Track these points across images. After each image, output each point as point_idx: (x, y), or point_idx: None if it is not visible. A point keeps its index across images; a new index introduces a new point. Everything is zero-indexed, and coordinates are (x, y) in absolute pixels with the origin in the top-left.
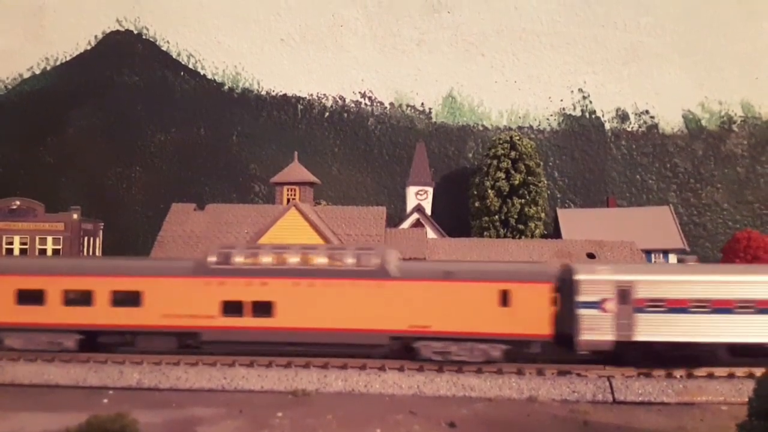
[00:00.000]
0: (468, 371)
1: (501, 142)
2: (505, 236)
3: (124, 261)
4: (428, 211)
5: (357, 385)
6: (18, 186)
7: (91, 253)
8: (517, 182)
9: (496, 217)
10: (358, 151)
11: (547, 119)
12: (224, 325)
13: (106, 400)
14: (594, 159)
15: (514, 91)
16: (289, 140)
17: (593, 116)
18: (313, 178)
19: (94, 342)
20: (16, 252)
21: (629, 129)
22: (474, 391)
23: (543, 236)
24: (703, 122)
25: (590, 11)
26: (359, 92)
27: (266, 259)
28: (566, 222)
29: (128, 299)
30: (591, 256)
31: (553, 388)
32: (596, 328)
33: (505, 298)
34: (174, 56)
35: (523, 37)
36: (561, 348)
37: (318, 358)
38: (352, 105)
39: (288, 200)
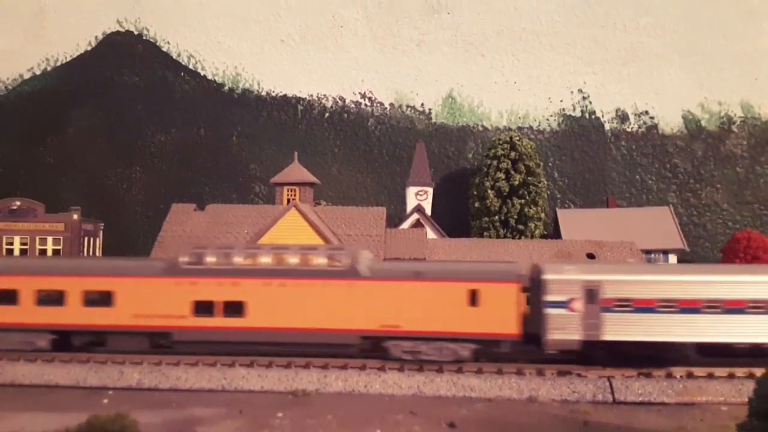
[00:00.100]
0: (468, 371)
1: (501, 142)
2: (505, 236)
3: (96, 261)
4: (428, 212)
5: (357, 386)
6: (18, 186)
7: (91, 253)
8: (517, 183)
9: (496, 217)
10: (358, 151)
11: (547, 120)
12: (195, 325)
13: (106, 401)
14: (594, 159)
15: (513, 92)
16: (289, 141)
17: (593, 117)
18: (313, 179)
19: (67, 342)
20: (16, 252)
21: (629, 129)
22: (474, 391)
23: (543, 236)
24: (703, 123)
25: (590, 12)
26: (359, 93)
27: (237, 260)
28: (566, 222)
29: (100, 299)
30: (591, 256)
31: (553, 389)
32: (564, 328)
33: (473, 298)
34: (174, 57)
35: (523, 38)
36: (530, 347)
37: (318, 358)
38: (352, 105)
39: (288, 200)
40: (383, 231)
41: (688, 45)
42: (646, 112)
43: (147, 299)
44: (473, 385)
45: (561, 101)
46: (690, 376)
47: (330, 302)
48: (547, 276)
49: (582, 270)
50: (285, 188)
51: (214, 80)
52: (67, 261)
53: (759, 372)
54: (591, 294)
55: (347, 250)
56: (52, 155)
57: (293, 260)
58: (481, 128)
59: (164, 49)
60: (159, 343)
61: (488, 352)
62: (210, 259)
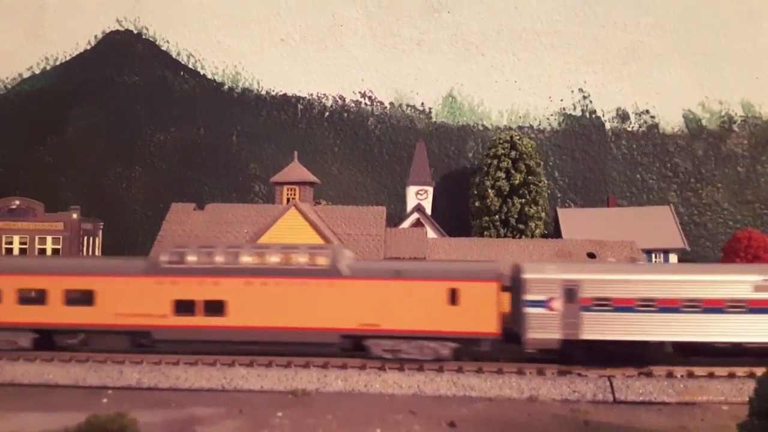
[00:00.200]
0: (468, 371)
1: (501, 141)
2: (505, 236)
3: (77, 260)
4: (428, 211)
5: (357, 385)
6: (18, 185)
7: (91, 252)
8: (517, 182)
9: (497, 216)
10: (358, 150)
11: (548, 119)
12: (176, 324)
13: (105, 400)
14: (594, 159)
15: (514, 91)
16: (289, 140)
17: (593, 116)
18: (313, 178)
19: (49, 341)
20: (16, 252)
21: (629, 129)
22: (474, 390)
23: (543, 236)
24: (704, 122)
25: (590, 11)
26: (359, 92)
27: (218, 259)
28: (566, 222)
29: (81, 298)
30: (591, 255)
31: (554, 388)
32: (543, 327)
33: (453, 297)
34: (174, 56)
35: (523, 37)
36: (511, 346)
37: (318, 358)
38: (352, 105)
39: (288, 200)
40: (383, 230)
41: (689, 44)
42: (647, 112)
43: (128, 298)
44: (473, 384)
45: (561, 100)
46: (691, 375)
47: (311, 301)
48: (527, 275)
49: (561, 269)
50: (285, 187)
51: (214, 79)
52: (48, 260)
53: (760, 371)
54: (570, 293)
55: (328, 250)
56: (52, 154)
57: (274, 259)
58: (481, 127)
59: (164, 48)
60: (140, 342)
61: (468, 350)
62: (191, 259)
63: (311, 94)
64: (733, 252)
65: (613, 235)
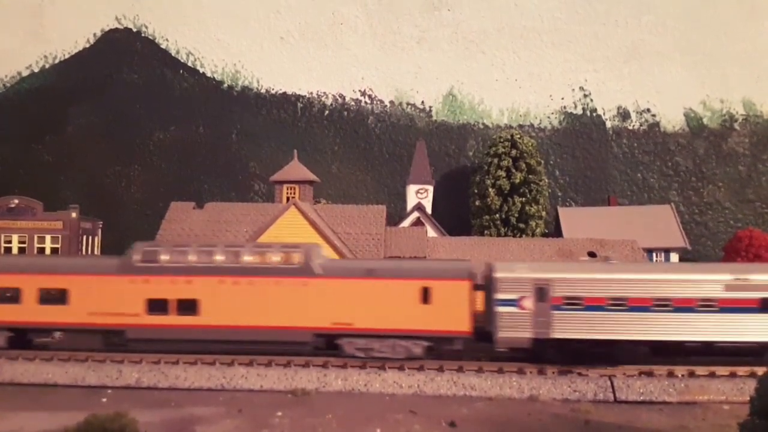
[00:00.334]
0: (468, 370)
1: (502, 140)
2: (505, 235)
3: (51, 259)
4: (428, 210)
5: (357, 385)
6: (17, 184)
7: (90, 251)
8: (517, 181)
9: (497, 215)
10: (358, 149)
11: (548, 117)
12: (149, 323)
13: (104, 400)
14: (595, 157)
15: (514, 89)
16: (288, 138)
17: (594, 114)
18: (312, 177)
19: (24, 340)
20: (15, 251)
21: (630, 127)
22: (474, 390)
23: (544, 235)
24: (705, 120)
25: (591, 9)
26: (359, 90)
27: (191, 258)
28: (567, 221)
29: (55, 297)
30: (592, 254)
31: (554, 387)
32: (514, 326)
33: (425, 296)
34: (173, 54)
35: (524, 35)
36: (483, 345)
37: (318, 358)
38: (352, 103)
39: (288, 199)
40: (383, 229)
41: (690, 43)
42: (648, 110)
43: (101, 297)
44: (474, 384)
45: (562, 99)
46: (692, 375)
47: (284, 300)
48: (498, 274)
49: (532, 268)
50: (284, 186)
51: (214, 78)
52: (22, 259)
53: (761, 371)
54: (541, 292)
55: (301, 248)
56: (51, 153)
57: (247, 258)
58: (481, 126)
59: (163, 47)
60: (113, 341)
61: (441, 349)
62: (163, 258)
63: (311, 93)
64: (735, 251)
65: (614, 234)
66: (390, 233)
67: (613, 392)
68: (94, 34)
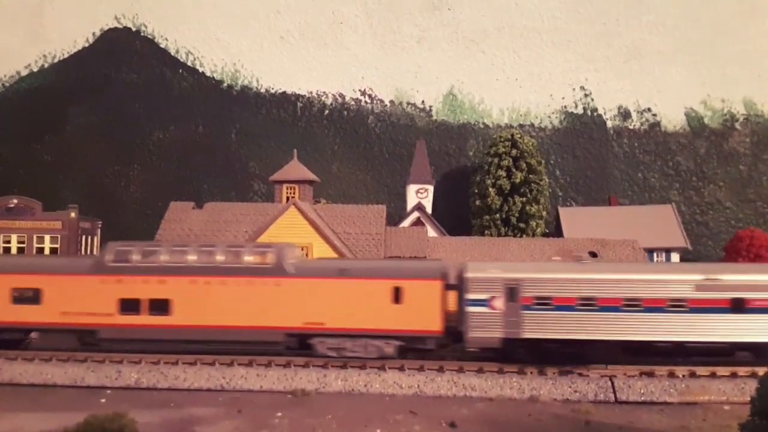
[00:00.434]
0: (469, 371)
1: (502, 140)
2: (506, 235)
3: (25, 258)
4: (429, 210)
5: (357, 385)
6: (16, 184)
7: (89, 251)
8: (518, 180)
9: (497, 215)
10: (358, 149)
11: (549, 117)
12: (122, 323)
13: (103, 400)
14: (596, 157)
15: (515, 89)
16: (288, 138)
17: (595, 114)
18: (312, 177)
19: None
20: (14, 251)
21: (631, 127)
22: (475, 390)
23: (544, 235)
24: (706, 120)
25: (591, 8)
26: (359, 90)
27: (163, 258)
28: (568, 220)
29: (28, 297)
30: (593, 254)
31: (555, 388)
32: (485, 326)
33: (397, 295)
34: (172, 53)
35: (524, 35)
36: (455, 344)
37: (317, 358)
38: (352, 103)
39: (287, 198)
40: (383, 229)
41: (690, 42)
42: (649, 110)
43: (74, 297)
44: (474, 384)
45: (563, 98)
46: (692, 375)
47: (256, 300)
48: (468, 274)
49: (503, 268)
50: (284, 186)
51: (213, 77)
52: None
53: (761, 371)
54: (512, 292)
55: (274, 248)
56: (50, 153)
57: (219, 258)
58: (482, 125)
59: (162, 46)
60: (87, 341)
61: (412, 348)
62: (135, 257)
63: (311, 92)
64: (735, 251)
65: (614, 234)
66: (390, 233)
67: (614, 393)
68: (94, 34)
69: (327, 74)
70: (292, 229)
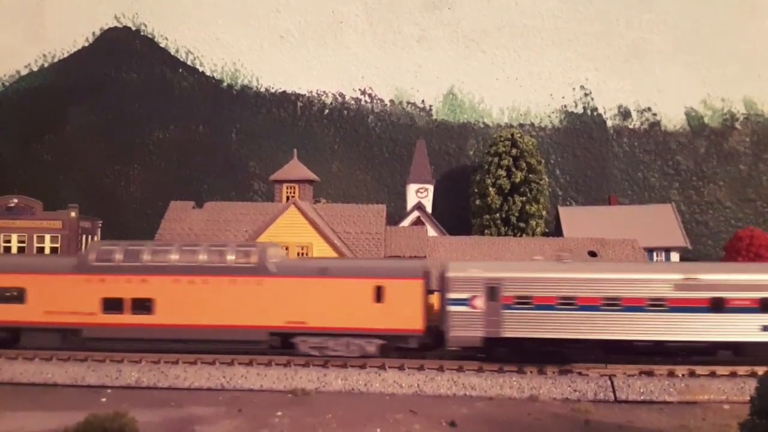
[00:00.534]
0: (469, 370)
1: (502, 139)
2: (506, 234)
3: (8, 258)
4: (429, 209)
5: (357, 384)
6: (16, 184)
7: None
8: (518, 180)
9: (497, 215)
10: (358, 148)
11: (549, 116)
12: (105, 322)
13: (104, 399)
14: (596, 156)
15: (515, 88)
16: (288, 138)
17: (595, 113)
18: (312, 176)
19: None
20: (14, 250)
21: (631, 126)
22: (475, 389)
23: (544, 234)
24: (706, 119)
25: (592, 8)
26: (359, 89)
27: (146, 257)
28: (568, 220)
29: (12, 296)
30: (593, 254)
31: (555, 387)
32: (465, 325)
33: (379, 294)
34: (172, 53)
35: (524, 34)
36: (436, 343)
37: (317, 357)
38: (352, 102)
39: (287, 198)
40: (383, 229)
41: (691, 42)
42: (649, 109)
43: (58, 296)
44: (474, 383)
45: (563, 98)
46: (692, 374)
47: (238, 299)
48: (450, 274)
49: (484, 268)
50: (284, 185)
51: (213, 77)
52: None
53: (761, 370)
54: (492, 291)
55: (257, 247)
56: (50, 153)
57: (202, 257)
58: (482, 125)
59: (162, 45)
60: (71, 340)
61: (394, 347)
62: (118, 257)
63: (311, 92)
64: (735, 250)
65: (614, 234)
66: (390, 232)
67: (614, 392)
68: (93, 33)
69: (327, 74)
70: (292, 228)
